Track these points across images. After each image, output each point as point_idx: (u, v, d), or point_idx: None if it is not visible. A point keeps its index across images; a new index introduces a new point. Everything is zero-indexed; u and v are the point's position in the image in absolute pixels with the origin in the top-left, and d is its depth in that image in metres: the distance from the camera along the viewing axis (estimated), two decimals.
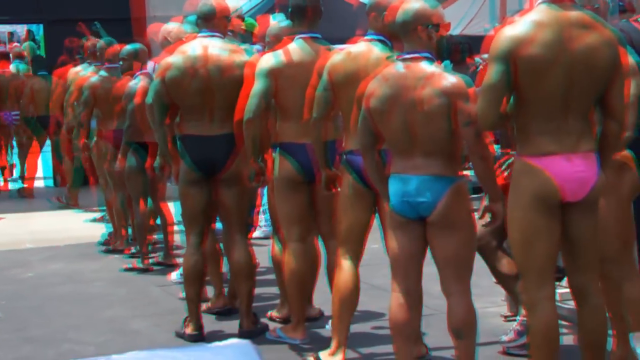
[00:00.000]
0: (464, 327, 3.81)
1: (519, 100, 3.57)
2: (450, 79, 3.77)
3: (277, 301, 5.70)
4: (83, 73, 8.64)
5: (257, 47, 6.70)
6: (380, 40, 4.46)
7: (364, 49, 4.47)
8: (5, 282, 7.09)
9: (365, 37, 4.51)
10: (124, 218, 7.71)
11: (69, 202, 10.59)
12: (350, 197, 4.46)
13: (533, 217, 3.55)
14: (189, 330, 5.20)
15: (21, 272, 7.43)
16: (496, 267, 4.63)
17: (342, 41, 7.87)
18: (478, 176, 3.82)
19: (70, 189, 10.59)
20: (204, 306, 5.52)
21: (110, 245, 8.02)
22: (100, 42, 8.50)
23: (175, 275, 6.72)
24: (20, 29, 16.86)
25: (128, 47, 7.32)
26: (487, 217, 3.87)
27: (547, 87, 3.49)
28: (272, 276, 5.80)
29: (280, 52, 4.91)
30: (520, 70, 3.48)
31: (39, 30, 16.47)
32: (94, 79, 7.85)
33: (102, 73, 7.86)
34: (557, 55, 3.47)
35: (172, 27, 6.17)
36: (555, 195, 3.53)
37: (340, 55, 4.52)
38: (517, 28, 3.52)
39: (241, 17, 7.74)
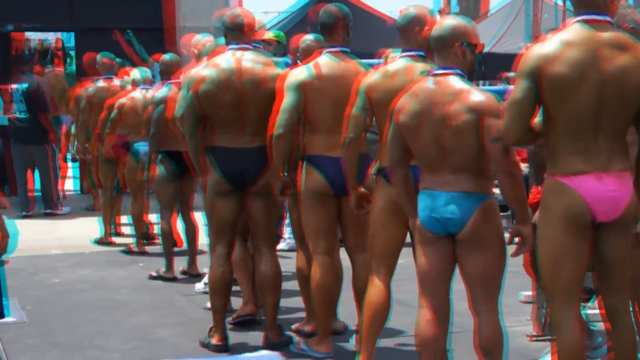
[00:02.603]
0: (492, 345, 3.79)
1: (547, 119, 3.56)
2: (478, 95, 3.76)
3: (298, 313, 5.70)
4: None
5: (284, 59, 6.73)
6: (421, 56, 4.41)
7: (404, 65, 4.41)
8: (31, 287, 7.14)
9: (406, 53, 4.43)
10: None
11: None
12: (388, 211, 4.39)
13: (563, 237, 3.53)
14: (214, 340, 5.21)
15: (48, 278, 7.49)
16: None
17: (372, 55, 7.91)
18: (505, 195, 3.77)
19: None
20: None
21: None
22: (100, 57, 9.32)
23: (200, 285, 6.75)
24: (52, 37, 17.00)
25: (168, 56, 7.49)
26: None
27: (574, 106, 3.47)
28: (290, 287, 5.80)
29: (309, 65, 4.93)
30: (546, 88, 3.48)
31: (69, 38, 16.64)
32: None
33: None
34: (585, 75, 3.45)
35: (202, 38, 6.22)
36: (586, 215, 3.50)
37: (377, 73, 4.47)
38: (545, 46, 3.52)
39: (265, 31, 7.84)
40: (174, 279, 7.19)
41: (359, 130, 4.45)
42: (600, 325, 4.12)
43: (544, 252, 3.61)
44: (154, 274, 7.31)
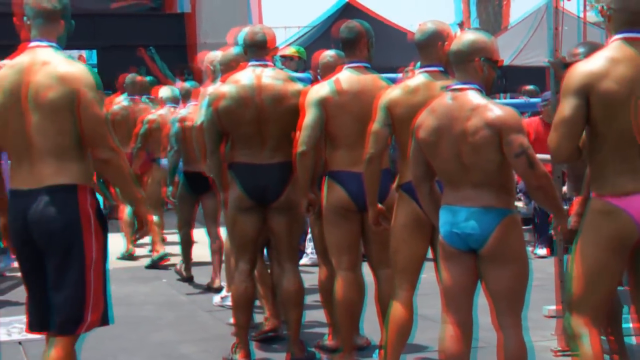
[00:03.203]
0: None
1: (594, 137, 3.56)
2: (497, 110, 3.74)
3: (322, 329, 5.69)
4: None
5: (305, 74, 6.76)
6: (441, 71, 4.42)
7: (424, 80, 4.43)
8: None
9: (425, 68, 4.45)
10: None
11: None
12: (409, 226, 4.41)
13: (604, 257, 3.54)
14: (238, 356, 5.20)
15: None
16: None
17: (392, 69, 7.92)
18: (539, 204, 3.80)
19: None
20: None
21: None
22: (131, 76, 9.53)
23: (217, 299, 6.81)
24: (75, 54, 17.14)
25: (188, 84, 7.83)
26: None
27: (620, 123, 3.48)
28: (313, 301, 5.80)
29: (330, 81, 4.94)
30: (595, 105, 3.48)
31: (91, 55, 16.76)
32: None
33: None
34: (633, 91, 3.46)
35: (217, 54, 6.28)
36: (635, 236, 3.51)
37: (398, 89, 4.48)
38: (592, 63, 3.53)
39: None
40: (190, 279, 7.62)
41: (380, 146, 4.46)
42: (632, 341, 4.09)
43: (580, 267, 3.61)
44: (178, 266, 7.76)
